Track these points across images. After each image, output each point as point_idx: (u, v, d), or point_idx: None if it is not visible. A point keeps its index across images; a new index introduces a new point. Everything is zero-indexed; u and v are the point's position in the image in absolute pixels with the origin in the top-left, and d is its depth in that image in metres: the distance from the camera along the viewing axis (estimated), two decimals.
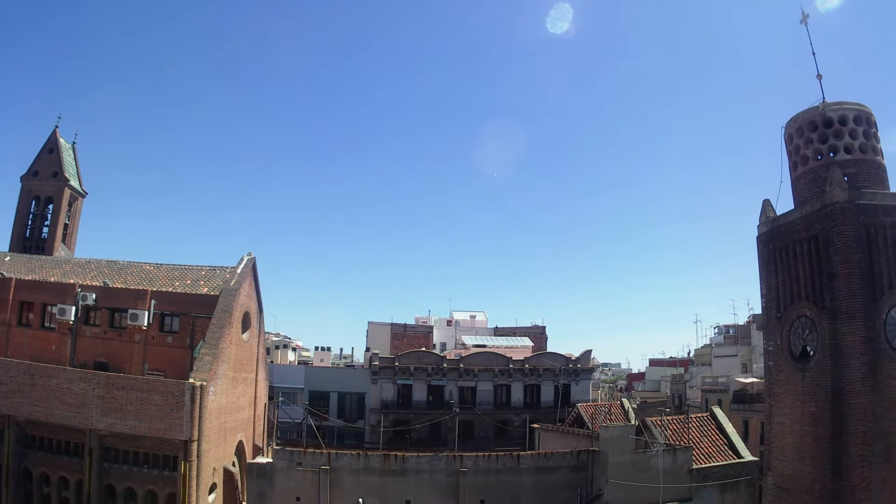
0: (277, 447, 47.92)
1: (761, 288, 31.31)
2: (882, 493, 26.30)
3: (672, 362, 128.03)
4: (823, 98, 29.37)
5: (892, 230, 27.30)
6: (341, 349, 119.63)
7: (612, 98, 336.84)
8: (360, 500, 43.75)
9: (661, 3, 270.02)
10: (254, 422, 51.57)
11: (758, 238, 31.57)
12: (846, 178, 27.57)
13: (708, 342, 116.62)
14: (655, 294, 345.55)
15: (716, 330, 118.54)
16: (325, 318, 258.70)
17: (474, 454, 47.62)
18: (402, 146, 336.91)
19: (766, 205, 31.14)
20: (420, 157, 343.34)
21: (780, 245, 29.81)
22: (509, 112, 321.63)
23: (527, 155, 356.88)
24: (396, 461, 46.11)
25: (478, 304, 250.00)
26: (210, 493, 41.11)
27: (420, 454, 47.45)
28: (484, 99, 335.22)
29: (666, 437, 46.04)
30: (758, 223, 31.64)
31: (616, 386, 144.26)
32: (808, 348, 28.16)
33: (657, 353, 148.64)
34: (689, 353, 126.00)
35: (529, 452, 50.33)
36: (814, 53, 30.07)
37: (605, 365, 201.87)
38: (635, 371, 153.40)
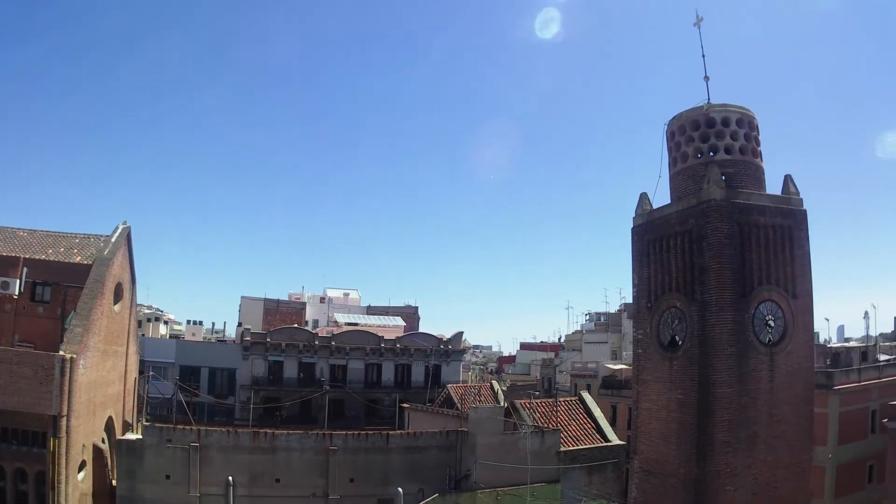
0: (147, 423, 47.03)
1: (633, 278, 32.35)
2: (746, 479, 27.79)
3: (543, 347, 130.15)
4: (709, 99, 30.40)
5: (765, 230, 28.70)
6: (213, 324, 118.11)
7: (486, 90, 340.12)
8: (230, 478, 43.41)
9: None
10: (124, 397, 50.40)
11: (633, 230, 32.59)
12: (724, 178, 28.63)
13: (579, 328, 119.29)
14: (528, 280, 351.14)
15: (587, 317, 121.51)
16: (199, 291, 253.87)
17: (344, 432, 47.73)
18: (280, 120, 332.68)
19: (643, 198, 32.12)
20: (299, 131, 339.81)
21: (654, 237, 30.86)
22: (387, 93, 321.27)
23: (406, 135, 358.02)
24: (266, 438, 45.83)
25: (352, 282, 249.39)
26: (80, 471, 40.05)
27: (290, 432, 47.30)
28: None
29: (534, 419, 47.02)
30: (633, 215, 32.55)
31: (487, 368, 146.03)
32: (677, 338, 29.26)
33: (528, 338, 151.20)
34: (560, 339, 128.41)
35: (399, 432, 50.76)
36: (703, 56, 31.06)
37: (476, 347, 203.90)
38: (506, 354, 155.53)
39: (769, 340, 28.65)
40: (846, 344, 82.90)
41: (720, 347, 27.28)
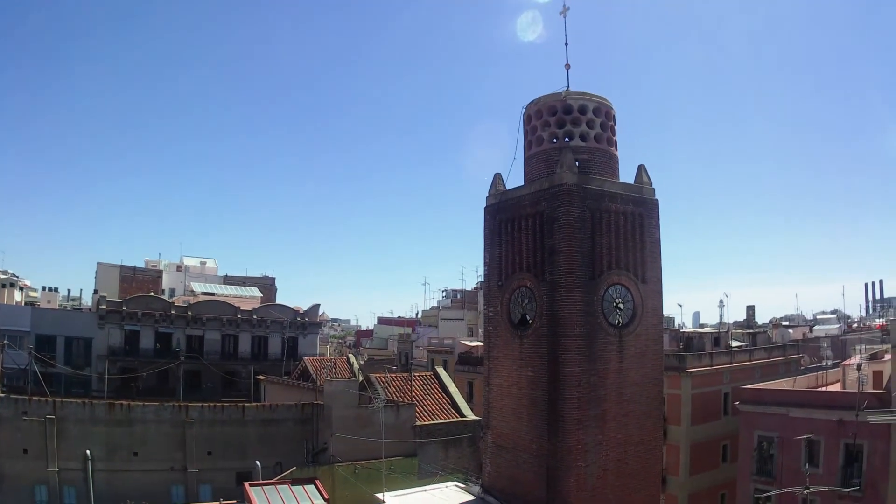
0: (2, 395, 45.53)
1: (485, 257, 32.73)
2: (597, 455, 28.57)
3: (400, 322, 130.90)
4: (568, 86, 30.80)
5: (615, 216, 29.42)
6: (69, 290, 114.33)
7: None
8: (88, 451, 42.41)
9: None
10: None
11: (485, 209, 32.88)
12: (577, 163, 29.19)
13: (436, 305, 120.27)
14: (388, 255, 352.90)
15: (444, 293, 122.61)
16: (55, 257, 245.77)
17: (200, 405, 47.21)
18: (138, 83, 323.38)
19: (497, 178, 32.46)
20: (157, 95, 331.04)
21: (506, 218, 31.25)
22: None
23: (254, 112, 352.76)
24: (122, 411, 44.95)
25: (209, 251, 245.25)
26: None
27: (146, 404, 46.46)
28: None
29: (390, 393, 47.41)
30: (487, 195, 32.94)
31: (345, 342, 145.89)
32: (528, 316, 29.82)
33: (387, 312, 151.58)
34: (417, 315, 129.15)
35: (255, 404, 50.56)
36: (566, 44, 31.47)
37: (335, 321, 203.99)
38: (365, 329, 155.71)
39: (618, 322, 29.46)
40: (699, 329, 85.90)
41: (569, 327, 27.87)
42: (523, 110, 31.79)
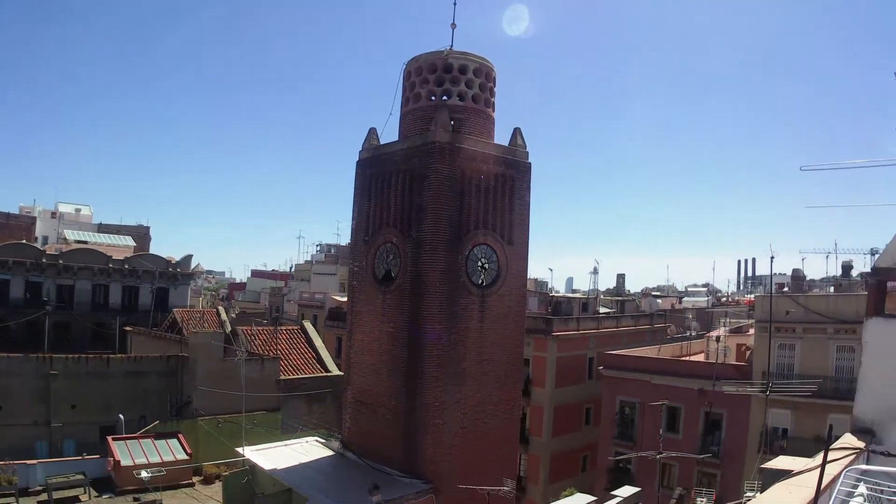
0: None
1: (354, 210, 32.61)
2: (455, 412, 28.89)
3: (274, 275, 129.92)
4: (452, 45, 30.70)
5: (486, 177, 29.58)
6: None
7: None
8: None
9: None
10: None
11: (358, 163, 32.69)
12: (452, 122, 29.21)
13: (310, 259, 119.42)
14: (265, 208, 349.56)
15: (318, 248, 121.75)
16: None
17: (64, 356, 45.91)
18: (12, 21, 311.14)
19: (372, 133, 32.23)
20: (30, 32, 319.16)
21: (377, 172, 31.12)
22: None
23: (137, 57, 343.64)
24: None
25: (86, 197, 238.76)
26: None
27: (10, 356, 45.01)
28: None
29: (256, 347, 47.05)
30: (360, 149, 32.74)
31: (218, 294, 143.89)
32: (392, 272, 29.86)
33: (261, 266, 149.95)
34: (291, 269, 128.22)
35: (120, 356, 49.46)
36: (455, 3, 31.28)
37: (209, 273, 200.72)
38: (239, 281, 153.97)
39: (481, 282, 29.72)
40: (568, 294, 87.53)
41: (432, 285, 28.02)
42: (404, 66, 31.60)
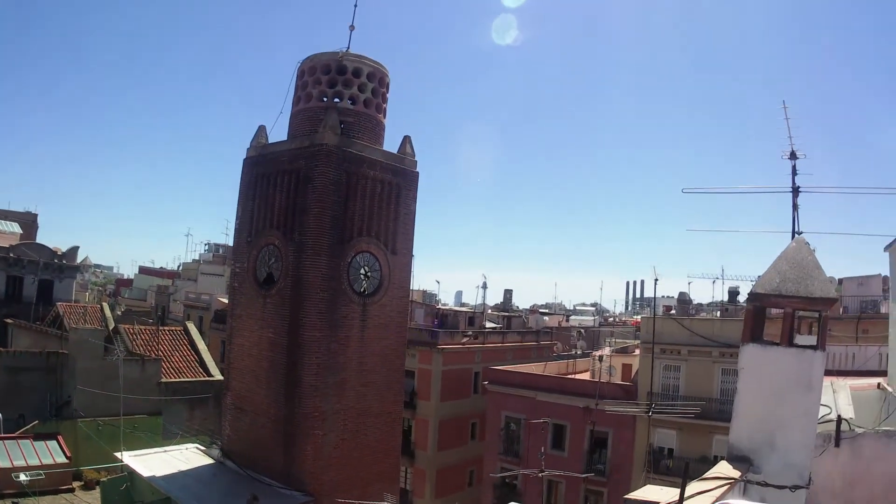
0: None
1: (238, 209, 31.80)
2: (335, 423, 28.31)
3: (162, 273, 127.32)
4: (349, 48, 30.31)
5: (372, 183, 29.22)
6: None
7: None
8: None
9: None
10: None
11: (244, 161, 31.89)
12: (342, 125, 28.71)
13: (197, 258, 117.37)
14: (156, 203, 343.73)
15: (206, 247, 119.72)
16: None
17: None
18: None
19: (261, 130, 31.58)
20: None
21: (263, 172, 30.38)
22: None
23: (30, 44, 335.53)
24: None
25: None
26: None
27: None
28: None
29: (137, 346, 45.60)
30: (248, 147, 32.00)
31: (105, 290, 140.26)
32: (274, 276, 29.16)
33: (148, 262, 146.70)
34: (178, 267, 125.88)
35: None
36: (356, 5, 30.79)
37: (97, 266, 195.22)
38: (127, 277, 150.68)
39: (363, 290, 29.25)
40: (455, 307, 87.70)
41: (312, 290, 27.43)
42: (298, 65, 31.04)
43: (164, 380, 43.78)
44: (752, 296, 13.25)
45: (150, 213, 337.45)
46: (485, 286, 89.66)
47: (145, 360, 43.12)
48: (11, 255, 73.68)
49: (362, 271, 29.13)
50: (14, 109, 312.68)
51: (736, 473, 11.76)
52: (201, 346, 49.53)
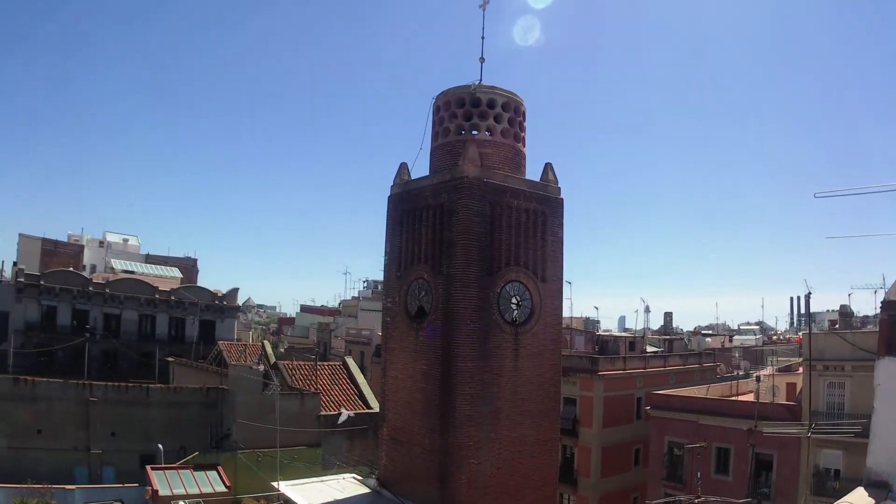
0: None
1: (386, 246, 32.19)
2: (489, 452, 28.16)
3: (322, 311, 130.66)
4: (481, 80, 30.39)
5: (516, 212, 29.07)
6: None
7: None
8: None
9: None
10: None
11: (389, 198, 32.34)
12: (482, 157, 28.78)
13: (357, 295, 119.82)
14: (314, 243, 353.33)
15: (364, 284, 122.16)
16: None
17: (104, 383, 46.22)
18: (56, 55, 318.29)
19: (403, 168, 31.98)
20: (92, 61, 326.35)
21: (408, 208, 30.75)
22: None
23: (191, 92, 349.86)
24: (26, 386, 44.10)
25: (134, 227, 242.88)
26: None
27: (51, 380, 45.47)
28: None
29: (297, 381, 46.85)
30: (392, 184, 32.46)
31: (269, 329, 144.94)
32: (425, 308, 29.37)
33: (309, 301, 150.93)
34: (339, 304, 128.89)
35: (159, 386, 49.69)
36: (483, 38, 31.02)
37: (261, 307, 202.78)
38: (288, 316, 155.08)
39: (514, 320, 29.09)
40: (615, 333, 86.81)
41: (463, 322, 27.46)
42: (433, 101, 31.34)
43: (323, 412, 44.76)
44: (886, 304, 12.40)
45: (309, 254, 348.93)
46: (647, 310, 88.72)
47: (304, 394, 44.24)
48: (172, 298, 77.58)
49: (513, 301, 28.99)
50: (172, 159, 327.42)
51: (870, 501, 10.95)
52: (360, 379, 50.52)
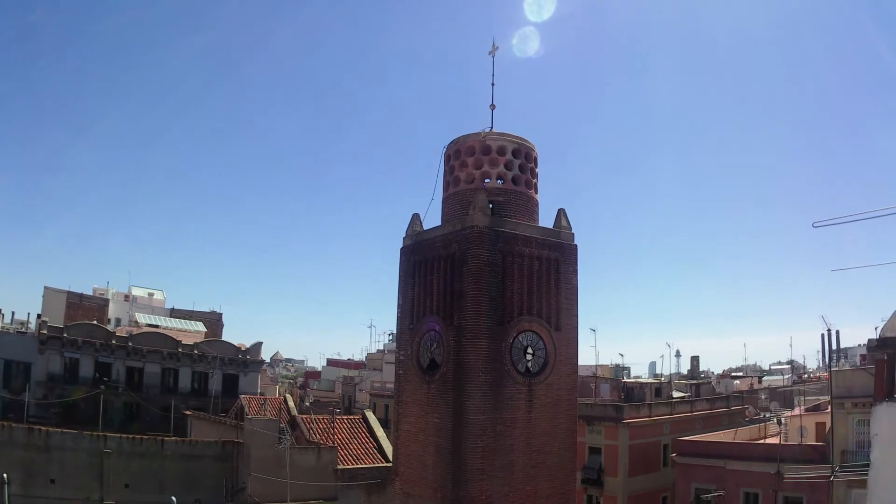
0: None
1: (399, 298, 31.93)
2: None
3: (348, 364, 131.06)
4: (492, 127, 30.28)
5: (528, 260, 28.70)
6: (13, 313, 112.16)
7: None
8: (5, 475, 41.71)
9: None
10: None
11: (401, 250, 32.15)
12: (492, 205, 28.55)
13: (382, 348, 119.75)
14: (337, 296, 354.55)
15: (389, 336, 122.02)
16: (10, 280, 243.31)
17: (119, 435, 46.25)
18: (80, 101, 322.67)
19: (415, 218, 31.84)
20: (118, 118, 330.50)
21: (420, 259, 30.50)
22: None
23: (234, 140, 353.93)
24: (41, 436, 44.33)
25: (159, 281, 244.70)
26: None
27: (65, 431, 45.58)
28: None
29: (315, 435, 46.48)
30: (404, 235, 32.27)
31: (296, 383, 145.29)
32: (437, 361, 28.97)
33: (335, 354, 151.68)
34: (364, 357, 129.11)
35: (174, 438, 49.53)
36: (493, 84, 31.05)
37: (289, 361, 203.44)
38: (315, 369, 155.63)
39: (528, 370, 28.63)
40: (644, 379, 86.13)
41: (474, 374, 27.05)
42: (444, 149, 31.18)
43: (340, 466, 44.35)
44: (883, 341, 11.66)
45: (336, 307, 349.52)
46: (678, 354, 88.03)
47: (321, 448, 43.86)
48: (196, 352, 77.72)
49: (526, 351, 28.54)
50: (198, 215, 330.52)
51: None
52: (380, 433, 50.12)
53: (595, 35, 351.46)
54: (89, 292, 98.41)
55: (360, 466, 45.51)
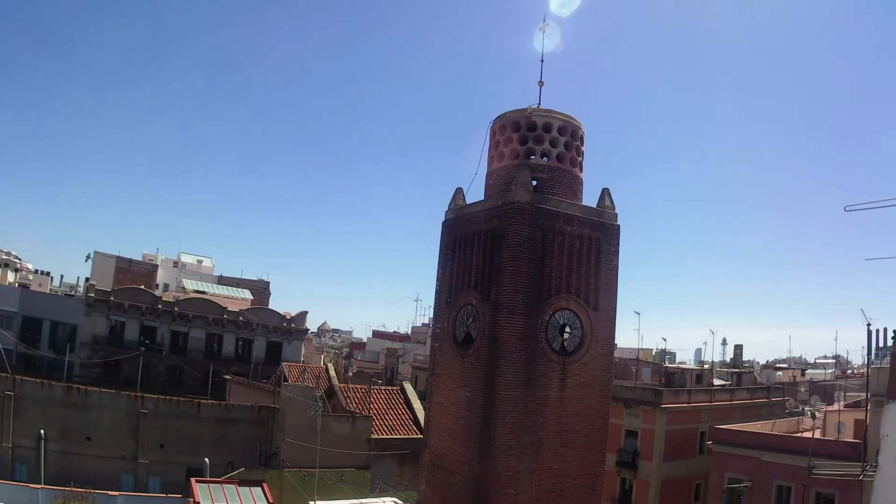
0: None
1: (438, 271, 32.02)
2: (529, 484, 27.55)
3: (394, 336, 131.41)
4: (539, 103, 30.07)
5: (569, 238, 28.52)
6: (62, 276, 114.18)
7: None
8: (42, 431, 42.44)
9: None
10: None
11: (443, 223, 32.17)
12: (535, 182, 28.46)
13: (427, 321, 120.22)
14: (387, 268, 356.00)
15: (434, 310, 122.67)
16: (54, 240, 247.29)
17: (156, 396, 46.87)
18: (135, 78, 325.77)
19: (458, 193, 31.79)
20: (177, 89, 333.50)
21: (461, 233, 30.53)
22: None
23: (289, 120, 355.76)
24: (79, 394, 45.03)
25: (209, 249, 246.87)
26: None
27: (103, 390, 46.27)
28: None
29: (350, 404, 46.78)
30: (447, 209, 32.26)
31: (342, 353, 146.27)
32: (472, 335, 28.99)
33: (381, 326, 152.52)
34: (409, 329, 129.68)
35: (211, 402, 50.09)
36: (542, 60, 30.83)
37: (336, 331, 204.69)
38: (361, 340, 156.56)
39: (563, 349, 28.54)
40: (683, 366, 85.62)
41: (508, 350, 27.03)
42: (490, 125, 31.07)
43: (374, 436, 44.62)
44: None
45: (384, 279, 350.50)
46: (724, 342, 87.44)
47: (356, 417, 44.11)
48: (241, 318, 78.38)
49: (561, 329, 28.44)
50: (251, 185, 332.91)
51: None
52: (416, 405, 50.30)
53: (644, 19, 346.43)
54: (138, 258, 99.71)
55: (393, 437, 45.81)
